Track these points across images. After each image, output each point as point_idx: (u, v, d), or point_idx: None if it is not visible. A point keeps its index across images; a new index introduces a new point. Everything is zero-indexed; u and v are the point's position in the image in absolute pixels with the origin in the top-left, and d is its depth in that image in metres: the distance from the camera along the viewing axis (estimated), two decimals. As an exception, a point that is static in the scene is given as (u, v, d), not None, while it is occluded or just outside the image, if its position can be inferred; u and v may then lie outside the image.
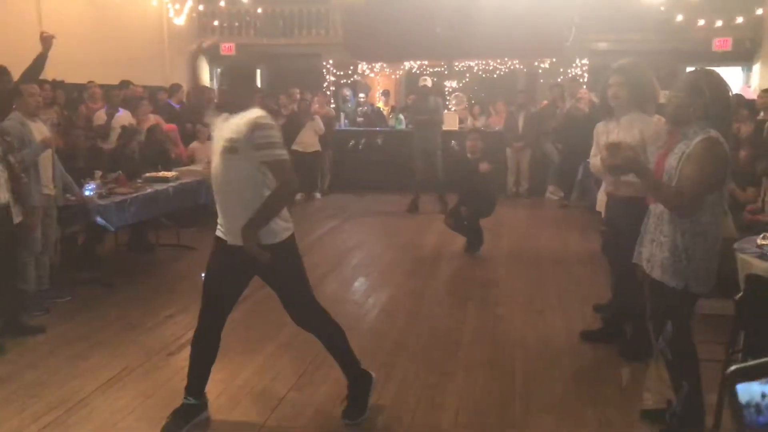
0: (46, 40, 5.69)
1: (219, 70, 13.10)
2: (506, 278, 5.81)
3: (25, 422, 3.15)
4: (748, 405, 0.62)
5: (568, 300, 5.15)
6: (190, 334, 4.35)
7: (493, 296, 5.27)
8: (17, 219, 4.22)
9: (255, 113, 2.85)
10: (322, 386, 3.60)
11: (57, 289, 5.06)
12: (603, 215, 4.38)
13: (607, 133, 3.87)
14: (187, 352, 4.06)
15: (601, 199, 6.15)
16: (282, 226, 2.99)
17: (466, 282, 5.73)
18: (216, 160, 2.94)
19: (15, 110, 4.63)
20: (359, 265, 6.34)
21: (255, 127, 2.79)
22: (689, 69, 3.14)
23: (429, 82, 9.25)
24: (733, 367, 0.63)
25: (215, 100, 3.48)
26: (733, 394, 0.63)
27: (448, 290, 5.56)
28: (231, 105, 2.96)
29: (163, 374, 3.74)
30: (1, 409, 3.28)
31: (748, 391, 0.63)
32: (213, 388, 3.55)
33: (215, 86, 11.72)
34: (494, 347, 4.20)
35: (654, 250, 2.88)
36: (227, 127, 2.89)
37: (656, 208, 2.91)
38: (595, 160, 3.97)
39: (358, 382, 3.24)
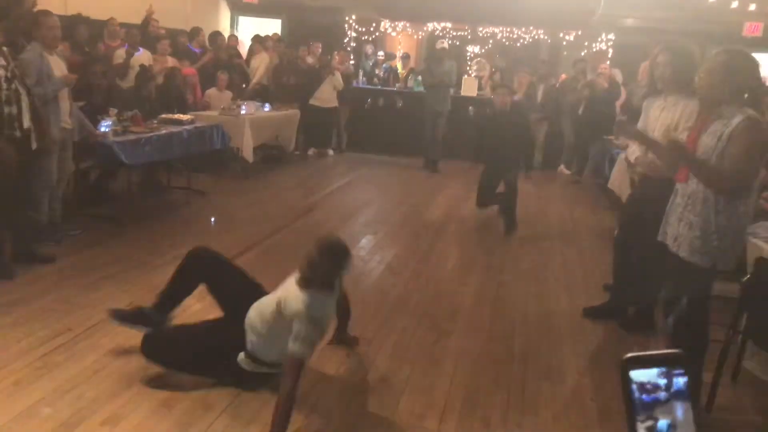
0: None
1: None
2: (513, 247, 5.83)
3: (33, 345, 3.23)
4: (640, 384, 0.67)
5: (572, 273, 5.17)
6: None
7: (498, 263, 5.30)
8: (35, 145, 4.24)
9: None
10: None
11: (69, 223, 5.12)
12: (625, 198, 4.36)
13: (654, 110, 3.80)
14: (195, 293, 4.15)
15: (617, 178, 6.14)
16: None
17: (473, 247, 5.75)
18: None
19: (34, 41, 4.60)
20: (368, 223, 6.37)
21: None
22: (714, 50, 3.09)
23: (446, 44, 9.25)
24: (628, 355, 0.67)
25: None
26: (626, 379, 0.68)
27: (454, 253, 5.59)
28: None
29: (168, 311, 3.80)
30: (11, 331, 3.36)
31: (643, 375, 0.68)
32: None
33: (236, 33, 11.61)
34: (495, 312, 4.24)
35: (682, 230, 2.88)
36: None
37: (687, 188, 2.89)
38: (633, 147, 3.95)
39: None
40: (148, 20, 8.39)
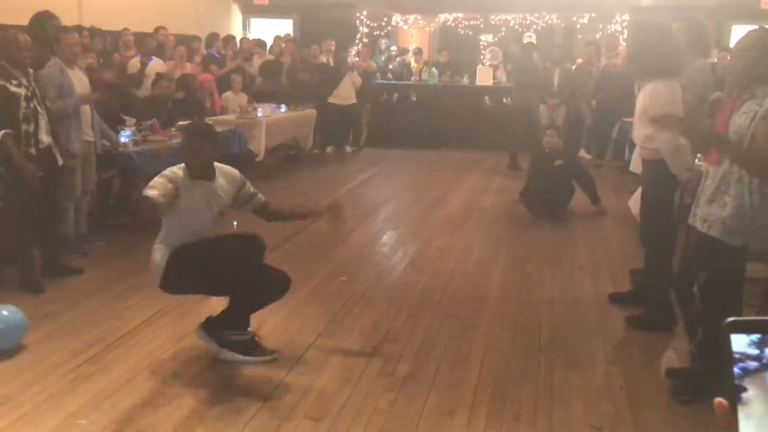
0: None
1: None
2: (535, 236, 5.79)
3: (66, 357, 3.30)
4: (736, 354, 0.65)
5: (597, 260, 5.13)
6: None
7: (521, 253, 5.28)
8: (61, 161, 4.33)
9: None
10: (350, 334, 3.68)
11: (93, 234, 5.20)
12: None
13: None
14: (218, 297, 4.19)
15: (638, 160, 6.07)
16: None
17: (495, 238, 5.73)
18: None
19: (55, 57, 4.68)
20: (389, 219, 6.38)
21: None
22: (735, 26, 3.06)
23: (533, 39, 9.13)
24: (730, 319, 0.65)
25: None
26: (727, 343, 0.66)
27: (477, 246, 5.57)
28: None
29: (197, 317, 3.82)
30: (43, 345, 3.43)
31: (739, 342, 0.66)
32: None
33: (247, 36, 11.68)
34: (521, 303, 4.23)
35: (713, 210, 2.87)
36: None
37: (718, 170, 2.87)
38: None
39: None
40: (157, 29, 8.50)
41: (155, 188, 3.09)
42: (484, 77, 10.37)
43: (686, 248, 3.32)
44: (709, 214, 2.89)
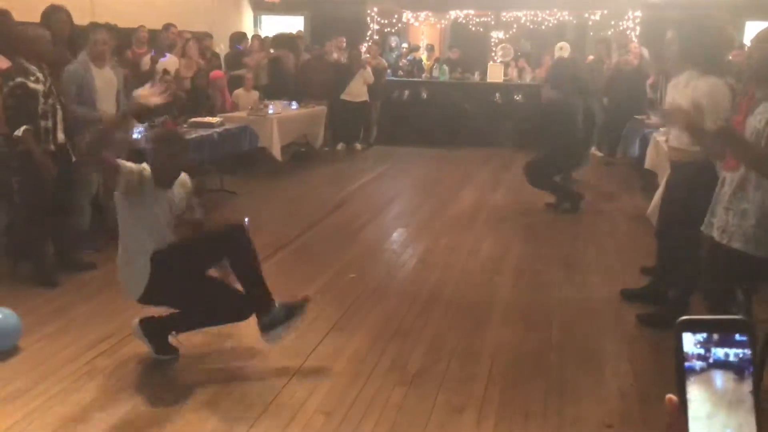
0: None
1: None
2: (546, 233, 5.78)
3: (81, 350, 3.33)
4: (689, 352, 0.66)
5: (608, 257, 5.12)
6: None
7: (532, 250, 5.27)
8: (74, 158, 4.36)
9: None
10: (360, 329, 3.69)
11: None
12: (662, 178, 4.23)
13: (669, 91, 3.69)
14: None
15: (653, 157, 6.03)
16: None
17: (505, 235, 5.72)
18: None
19: (82, 52, 4.72)
20: (399, 216, 6.39)
21: None
22: (749, 23, 3.03)
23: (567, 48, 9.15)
24: (683, 317, 0.66)
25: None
26: (678, 341, 0.66)
27: (487, 243, 5.57)
28: None
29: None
30: (57, 338, 3.47)
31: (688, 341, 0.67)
32: (255, 328, 3.67)
33: (259, 33, 11.71)
34: (531, 300, 4.23)
35: (732, 219, 2.77)
36: None
37: (735, 175, 2.80)
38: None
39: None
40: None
41: (127, 166, 3.05)
42: (495, 74, 10.35)
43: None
44: (727, 223, 2.79)
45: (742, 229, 2.73)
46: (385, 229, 5.93)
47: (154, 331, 3.26)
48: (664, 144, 4.02)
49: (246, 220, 6.14)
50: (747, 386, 0.64)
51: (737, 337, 0.65)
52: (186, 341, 3.47)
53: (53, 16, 4.87)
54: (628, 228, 5.89)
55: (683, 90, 3.44)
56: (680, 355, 0.66)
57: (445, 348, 3.49)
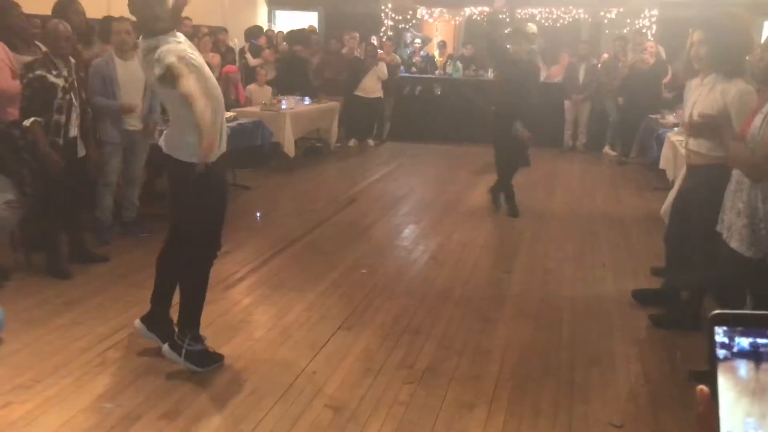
0: None
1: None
2: (558, 232, 5.75)
3: (92, 342, 3.36)
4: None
5: (620, 257, 5.09)
6: (245, 270, 4.55)
7: (543, 249, 5.25)
8: (81, 153, 4.40)
9: None
10: (370, 326, 3.70)
11: (138, 224, 5.16)
12: (677, 178, 4.17)
13: (692, 93, 3.60)
14: (243, 287, 4.24)
15: (667, 158, 5.98)
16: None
17: (517, 234, 5.70)
18: None
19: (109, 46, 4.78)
20: (410, 212, 6.38)
21: None
22: (766, 22, 2.99)
23: (535, 29, 9.38)
24: (715, 311, 0.66)
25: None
26: (711, 334, 0.67)
27: (499, 241, 5.55)
28: None
29: (219, 306, 3.89)
30: (70, 330, 3.50)
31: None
32: (264, 323, 3.70)
33: (272, 28, 11.73)
34: (541, 299, 4.21)
35: (733, 218, 2.77)
36: None
37: (736, 173, 2.80)
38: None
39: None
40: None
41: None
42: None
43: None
44: (731, 221, 2.80)
45: (738, 228, 2.75)
46: (397, 226, 5.92)
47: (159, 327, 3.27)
48: (679, 145, 3.96)
49: (258, 214, 6.20)
50: None
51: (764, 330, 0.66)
52: (211, 334, 3.50)
53: (69, 7, 4.90)
54: (640, 228, 5.85)
55: (709, 94, 3.34)
56: (713, 347, 0.67)
57: (455, 345, 3.49)
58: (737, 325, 0.67)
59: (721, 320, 0.67)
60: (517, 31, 6.73)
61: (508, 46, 6.34)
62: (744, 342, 0.66)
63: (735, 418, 0.64)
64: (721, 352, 0.66)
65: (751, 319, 0.67)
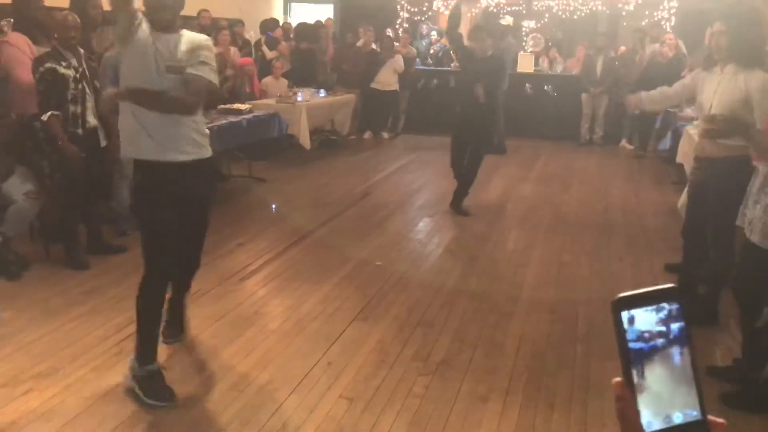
0: None
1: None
2: (574, 225, 5.72)
3: (110, 332, 3.40)
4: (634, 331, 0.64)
5: (636, 251, 5.05)
6: (260, 262, 4.57)
7: (559, 242, 5.22)
8: (104, 143, 4.43)
9: None
10: (385, 318, 3.70)
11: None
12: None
13: (710, 83, 3.55)
14: (257, 279, 4.26)
15: (685, 152, 5.91)
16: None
17: (533, 227, 5.68)
18: None
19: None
20: (424, 206, 6.37)
21: None
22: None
23: (510, 21, 9.12)
24: (619, 295, 0.64)
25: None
26: (618, 320, 0.65)
27: (513, 234, 5.53)
28: None
29: (234, 298, 3.92)
30: (88, 320, 3.54)
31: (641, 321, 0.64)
32: (279, 315, 3.72)
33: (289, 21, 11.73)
34: (557, 292, 4.20)
35: (757, 213, 2.75)
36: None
37: (765, 168, 2.77)
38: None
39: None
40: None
41: None
42: (525, 64, 10.23)
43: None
44: (754, 216, 2.78)
45: (761, 223, 2.71)
46: (411, 219, 5.92)
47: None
48: (697, 138, 3.91)
49: (273, 206, 6.22)
50: (686, 358, 0.63)
51: (671, 307, 0.64)
52: (210, 328, 3.53)
53: (87, 1, 4.92)
54: (658, 222, 5.80)
55: (729, 84, 3.31)
56: (622, 335, 0.65)
57: (470, 338, 3.49)
58: (639, 305, 0.64)
59: (624, 305, 0.65)
60: (476, 27, 6.28)
61: (467, 44, 6.03)
62: (660, 329, 0.63)
63: (659, 410, 0.62)
64: (640, 344, 0.64)
65: (651, 297, 0.65)
